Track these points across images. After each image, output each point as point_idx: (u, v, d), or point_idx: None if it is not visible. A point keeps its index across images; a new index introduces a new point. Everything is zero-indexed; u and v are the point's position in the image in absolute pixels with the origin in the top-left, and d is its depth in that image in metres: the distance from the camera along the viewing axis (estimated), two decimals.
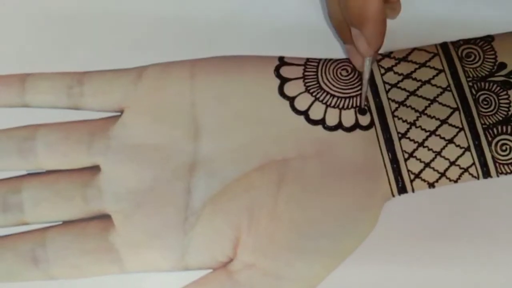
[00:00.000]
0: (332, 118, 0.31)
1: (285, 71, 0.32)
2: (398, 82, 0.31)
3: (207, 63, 0.32)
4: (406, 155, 0.30)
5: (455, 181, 0.30)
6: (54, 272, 0.29)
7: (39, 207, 0.30)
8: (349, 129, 0.31)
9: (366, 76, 0.30)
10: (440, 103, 0.31)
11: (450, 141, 0.30)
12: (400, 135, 0.30)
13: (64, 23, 0.34)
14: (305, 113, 0.31)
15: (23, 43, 0.33)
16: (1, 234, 0.30)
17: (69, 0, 0.34)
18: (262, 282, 0.29)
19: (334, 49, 0.33)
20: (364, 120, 0.31)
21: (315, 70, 0.32)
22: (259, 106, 0.31)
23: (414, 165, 0.30)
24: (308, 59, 0.32)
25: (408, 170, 0.30)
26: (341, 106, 0.31)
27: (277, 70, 0.32)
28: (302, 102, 0.31)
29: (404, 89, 0.31)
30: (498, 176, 0.30)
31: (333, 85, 0.31)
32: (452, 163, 0.30)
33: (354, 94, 0.31)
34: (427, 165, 0.30)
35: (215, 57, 0.32)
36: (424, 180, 0.30)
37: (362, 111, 0.31)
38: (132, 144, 0.31)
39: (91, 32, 0.33)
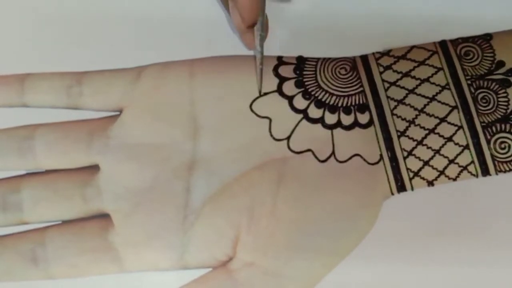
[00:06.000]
0: (331, 116, 0.31)
1: (284, 70, 0.32)
2: (397, 80, 0.31)
3: (206, 63, 0.32)
4: (405, 153, 0.30)
5: (454, 179, 0.30)
6: (54, 272, 0.29)
7: (39, 207, 0.30)
8: (348, 128, 0.31)
9: (257, 55, 0.29)
10: (439, 101, 0.31)
11: (449, 139, 0.30)
12: (399, 133, 0.30)
13: (64, 23, 0.34)
14: (304, 112, 0.31)
15: (22, 43, 0.33)
16: (0, 233, 0.30)
17: (69, 0, 0.34)
18: (261, 280, 0.29)
19: (333, 50, 0.33)
20: (363, 118, 0.31)
21: (313, 69, 0.32)
22: (258, 105, 0.31)
23: (413, 163, 0.30)
24: (306, 59, 0.32)
25: (407, 168, 0.30)
26: (339, 104, 0.31)
27: (275, 69, 0.32)
28: (301, 101, 0.31)
29: (403, 87, 0.31)
30: (497, 174, 0.30)
31: (332, 84, 0.31)
32: (451, 161, 0.30)
33: (353, 92, 0.31)
34: (426, 163, 0.30)
35: (214, 57, 0.32)
36: (423, 178, 0.30)
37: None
38: (131, 143, 0.31)
39: (90, 32, 0.34)
